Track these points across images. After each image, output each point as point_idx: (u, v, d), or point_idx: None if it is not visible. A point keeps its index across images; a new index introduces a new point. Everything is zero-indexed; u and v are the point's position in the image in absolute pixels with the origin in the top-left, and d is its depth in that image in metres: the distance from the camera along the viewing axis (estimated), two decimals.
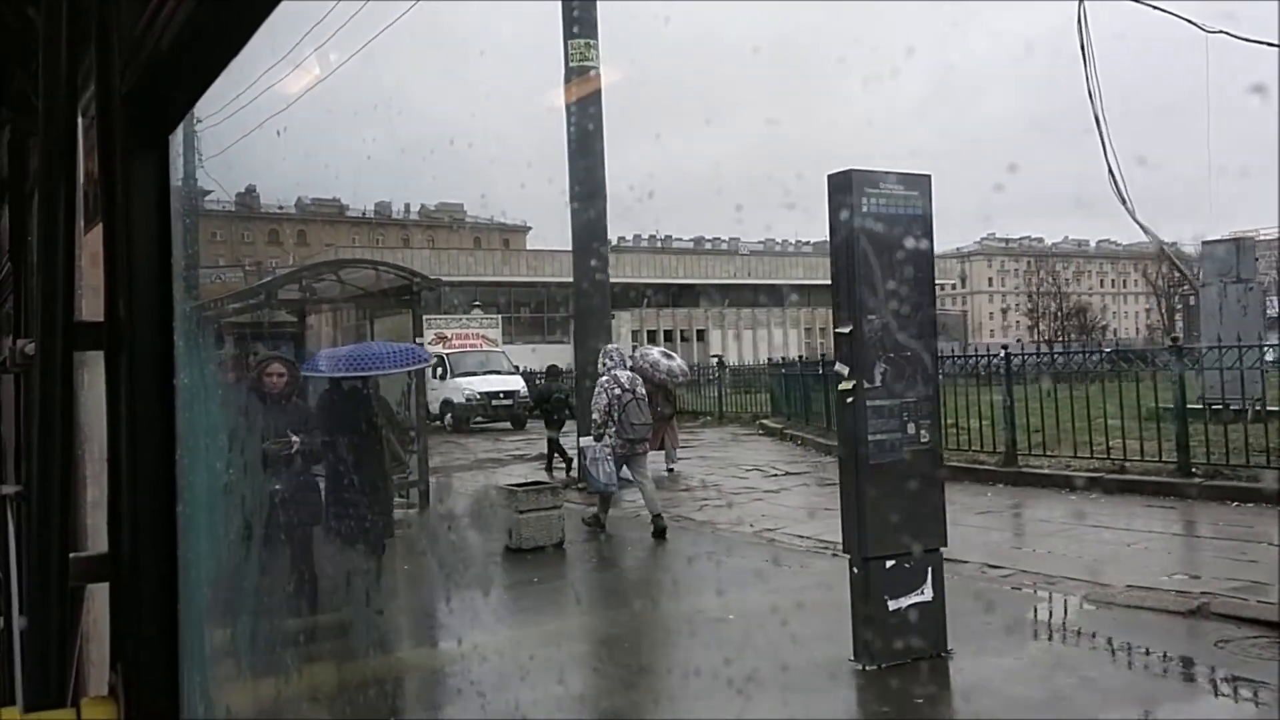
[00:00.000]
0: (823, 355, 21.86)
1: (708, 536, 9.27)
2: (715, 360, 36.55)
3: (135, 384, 1.29)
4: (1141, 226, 16.62)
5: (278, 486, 5.28)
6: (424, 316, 13.07)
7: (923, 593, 5.40)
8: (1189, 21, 14.03)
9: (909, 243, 5.36)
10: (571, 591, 7.47)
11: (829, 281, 5.67)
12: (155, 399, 1.30)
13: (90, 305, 1.57)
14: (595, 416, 9.33)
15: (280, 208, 53.81)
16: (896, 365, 5.33)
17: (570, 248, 12.53)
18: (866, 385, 5.27)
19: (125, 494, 1.30)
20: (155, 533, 1.28)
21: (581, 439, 11.13)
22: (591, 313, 12.68)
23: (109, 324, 1.32)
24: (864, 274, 5.26)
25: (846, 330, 5.30)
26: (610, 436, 9.18)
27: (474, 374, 23.50)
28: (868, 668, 5.22)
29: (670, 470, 13.26)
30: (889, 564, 5.31)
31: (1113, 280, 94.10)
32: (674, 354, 15.49)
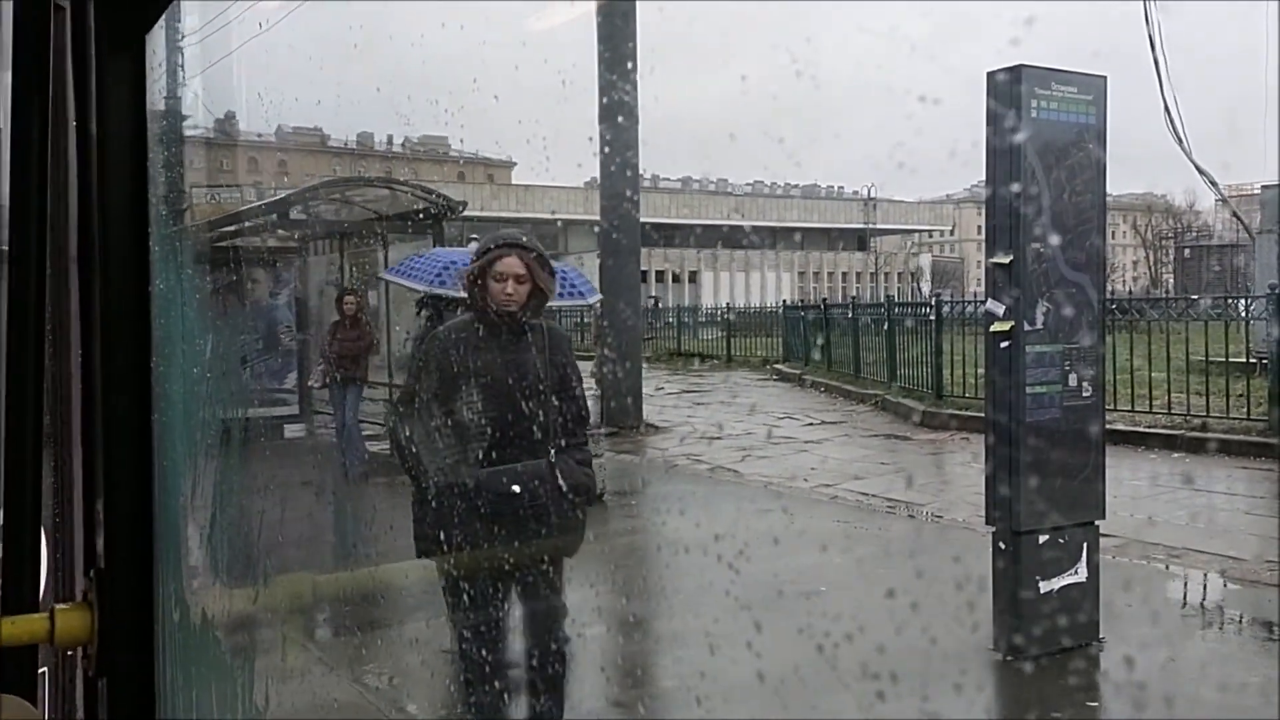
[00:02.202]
0: (824, 300, 21.00)
1: (760, 491, 8.45)
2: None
3: (109, 289, 1.22)
4: (1198, 168, 15.75)
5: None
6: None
7: (1076, 572, 4.61)
8: None
9: (1081, 157, 4.46)
10: (634, 554, 6.63)
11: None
12: (130, 304, 1.23)
13: None
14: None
15: (259, 136, 51.90)
16: (1061, 304, 4.47)
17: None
18: (1027, 327, 4.41)
19: (98, 399, 1.23)
20: (129, 438, 1.22)
21: None
22: (609, 176, 11.76)
23: (81, 227, 1.26)
24: (1029, 193, 4.37)
25: (1006, 260, 4.41)
26: None
27: None
28: (1011, 659, 4.45)
29: None
30: (1042, 539, 4.50)
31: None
32: None
